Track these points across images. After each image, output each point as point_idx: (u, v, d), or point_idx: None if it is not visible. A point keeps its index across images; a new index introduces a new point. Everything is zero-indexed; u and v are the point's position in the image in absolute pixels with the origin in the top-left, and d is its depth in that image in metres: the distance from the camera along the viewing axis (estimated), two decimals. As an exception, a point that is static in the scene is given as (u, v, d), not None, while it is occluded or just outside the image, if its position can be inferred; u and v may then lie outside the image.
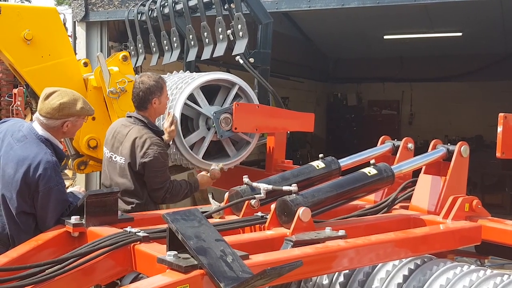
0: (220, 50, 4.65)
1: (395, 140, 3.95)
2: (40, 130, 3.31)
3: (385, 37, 13.48)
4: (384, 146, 3.94)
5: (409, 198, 3.59)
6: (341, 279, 3.12)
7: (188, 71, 5.21)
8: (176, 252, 2.28)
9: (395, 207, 3.55)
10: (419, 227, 3.12)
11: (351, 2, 5.94)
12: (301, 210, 2.79)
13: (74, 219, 2.90)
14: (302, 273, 2.58)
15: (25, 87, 5.24)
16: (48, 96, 3.30)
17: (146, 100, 3.91)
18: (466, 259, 4.03)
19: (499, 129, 3.11)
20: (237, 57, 4.62)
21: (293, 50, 13.51)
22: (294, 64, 13.77)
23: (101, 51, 7.21)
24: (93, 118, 4.96)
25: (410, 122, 16.01)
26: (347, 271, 3.12)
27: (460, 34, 12.62)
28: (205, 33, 4.83)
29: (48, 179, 3.13)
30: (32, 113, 11.06)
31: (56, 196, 3.15)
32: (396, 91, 16.17)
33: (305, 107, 15.37)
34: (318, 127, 16.30)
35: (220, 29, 4.62)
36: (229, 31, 4.61)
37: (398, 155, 3.80)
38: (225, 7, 4.74)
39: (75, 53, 7.42)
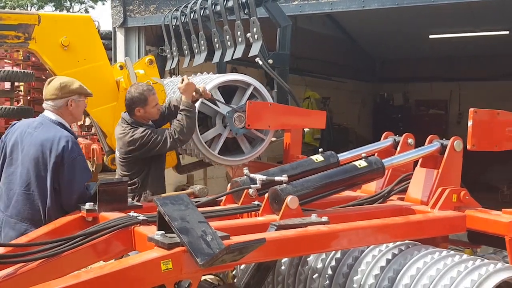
0: (239, 52, 4.95)
1: (397, 136, 4.14)
2: (52, 116, 3.76)
3: (431, 36, 13.45)
4: (385, 141, 4.15)
5: (406, 190, 3.79)
6: (333, 263, 3.36)
7: (211, 73, 5.53)
8: (163, 232, 2.59)
9: (392, 198, 3.76)
10: (402, 216, 3.32)
11: (372, 4, 6.13)
12: (289, 198, 3.05)
13: (88, 205, 3.27)
14: (282, 253, 2.88)
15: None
16: (49, 82, 3.79)
17: (130, 108, 4.45)
18: (494, 255, 4.18)
19: (470, 123, 3.31)
20: (257, 59, 4.92)
21: (336, 50, 13.66)
22: (337, 64, 13.91)
23: (138, 55, 7.66)
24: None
25: (459, 121, 15.80)
26: (338, 255, 3.36)
27: (507, 32, 12.46)
28: (227, 36, 5.14)
29: (71, 150, 3.56)
30: (84, 116, 11.67)
31: (80, 165, 3.60)
32: (444, 91, 16.05)
33: (349, 107, 15.48)
34: (364, 127, 16.40)
35: (239, 32, 4.93)
36: (248, 34, 4.91)
37: (398, 149, 4.00)
38: (245, 12, 5.04)
39: (116, 57, 7.90)
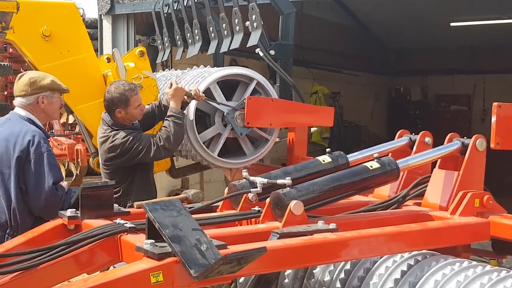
0: (236, 42, 4.95)
1: (413, 134, 4.13)
2: (22, 112, 3.82)
3: (452, 24, 13.44)
4: (400, 140, 4.13)
5: (423, 194, 3.78)
6: (342, 275, 3.34)
7: (208, 66, 5.52)
8: (153, 241, 2.58)
9: (408, 203, 3.74)
10: (419, 222, 3.31)
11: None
12: (292, 203, 3.04)
13: (69, 212, 3.25)
14: (285, 264, 2.87)
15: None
16: (19, 78, 3.86)
17: (110, 109, 4.43)
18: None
19: (493, 119, 3.29)
20: (257, 49, 4.91)
21: (346, 40, 13.63)
22: (348, 55, 13.91)
23: (127, 46, 7.65)
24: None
25: (483, 118, 15.78)
26: (348, 267, 3.35)
27: (536, 19, 12.45)
28: (224, 25, 5.14)
29: (38, 145, 3.61)
30: (68, 113, 11.69)
31: (48, 161, 3.62)
32: (467, 85, 16.06)
33: (361, 102, 15.47)
34: (377, 124, 16.40)
35: (236, 20, 4.93)
36: (247, 22, 4.90)
37: (414, 149, 3.99)
38: (243, -3, 5.04)
39: (102, 48, 7.90)
